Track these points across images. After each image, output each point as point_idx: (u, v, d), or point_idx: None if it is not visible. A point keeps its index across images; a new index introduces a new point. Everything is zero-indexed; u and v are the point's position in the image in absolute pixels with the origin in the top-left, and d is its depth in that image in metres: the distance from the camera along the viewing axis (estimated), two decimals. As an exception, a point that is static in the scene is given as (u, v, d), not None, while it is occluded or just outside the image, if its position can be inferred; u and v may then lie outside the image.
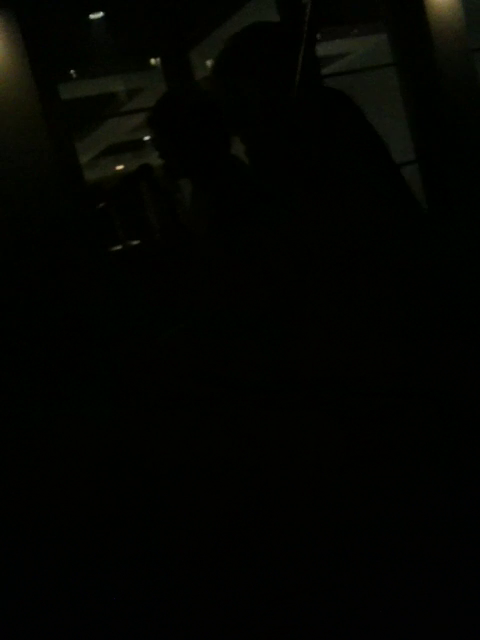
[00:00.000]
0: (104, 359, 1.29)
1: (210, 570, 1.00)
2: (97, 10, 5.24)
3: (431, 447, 1.13)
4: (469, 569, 0.97)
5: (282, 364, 1.26)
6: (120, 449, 1.16)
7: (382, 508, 1.05)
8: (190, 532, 1.05)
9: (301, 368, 1.25)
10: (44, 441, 1.19)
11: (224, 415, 1.19)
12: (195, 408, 1.21)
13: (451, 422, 1.17)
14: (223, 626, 0.94)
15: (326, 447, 1.14)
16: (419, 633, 0.91)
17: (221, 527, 1.05)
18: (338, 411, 1.19)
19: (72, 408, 1.22)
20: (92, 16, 5.31)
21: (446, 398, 1.20)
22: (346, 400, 1.20)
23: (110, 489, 1.11)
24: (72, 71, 6.76)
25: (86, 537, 1.05)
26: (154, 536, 1.05)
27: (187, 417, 1.20)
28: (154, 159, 1.94)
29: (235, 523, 1.06)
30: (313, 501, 1.07)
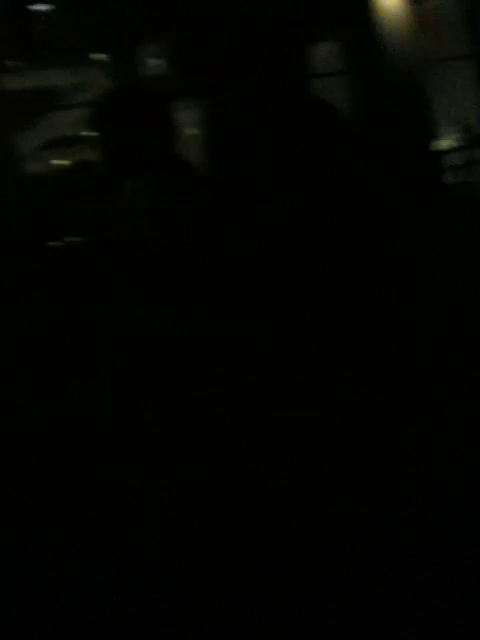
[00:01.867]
0: (104, 359, 1.29)
1: (210, 570, 1.00)
2: (43, 1, 5.17)
3: (431, 447, 1.13)
4: (469, 569, 0.96)
5: (282, 364, 1.26)
6: (120, 449, 1.16)
7: (382, 508, 1.05)
8: (190, 532, 1.05)
9: (301, 368, 1.25)
10: (44, 441, 1.19)
11: (224, 415, 1.19)
12: (195, 408, 1.21)
13: (451, 422, 1.16)
14: (223, 626, 0.94)
15: (326, 447, 1.14)
16: (419, 633, 0.91)
17: (221, 527, 1.05)
18: (338, 411, 1.19)
19: (72, 408, 1.22)
20: (36, 7, 5.23)
21: (446, 398, 1.20)
22: (346, 400, 1.20)
23: (110, 489, 1.11)
24: (13, 62, 6.63)
25: (86, 537, 1.05)
26: (154, 536, 1.05)
27: (187, 417, 1.20)
28: (96, 154, 1.90)
29: (235, 523, 1.06)
30: (313, 501, 1.07)
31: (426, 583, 0.95)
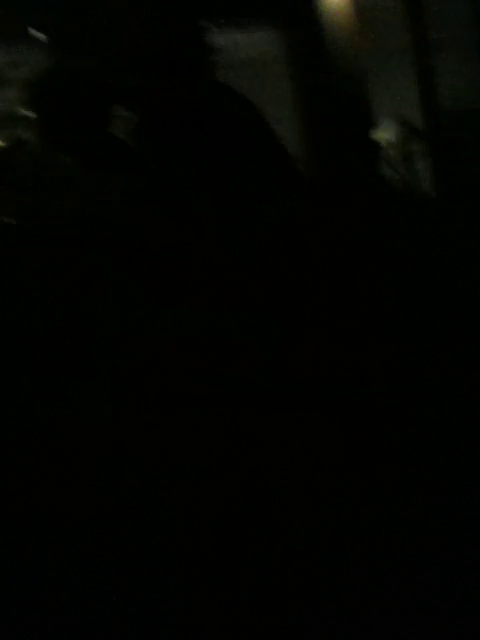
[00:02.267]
0: (104, 359, 1.29)
1: (210, 570, 1.00)
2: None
3: (431, 447, 1.13)
4: (469, 569, 0.96)
5: (282, 364, 1.26)
6: (120, 449, 1.16)
7: (382, 508, 1.05)
8: (190, 532, 1.05)
9: (301, 368, 1.25)
10: (44, 441, 1.19)
11: (224, 415, 1.19)
12: (195, 408, 1.21)
13: (451, 422, 1.16)
14: (223, 626, 0.94)
15: (326, 447, 1.14)
16: (419, 633, 0.91)
17: (221, 527, 1.05)
18: (338, 411, 1.18)
19: (72, 408, 1.22)
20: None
21: (446, 398, 1.20)
22: (346, 400, 1.20)
23: (110, 489, 1.11)
24: None
25: (86, 537, 1.05)
26: (154, 536, 1.05)
27: (187, 417, 1.20)
28: (33, 134, 1.88)
29: (235, 523, 1.06)
30: (313, 501, 1.07)
31: (426, 583, 0.95)
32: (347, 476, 1.09)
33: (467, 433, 1.14)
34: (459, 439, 1.14)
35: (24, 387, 1.28)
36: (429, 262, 1.40)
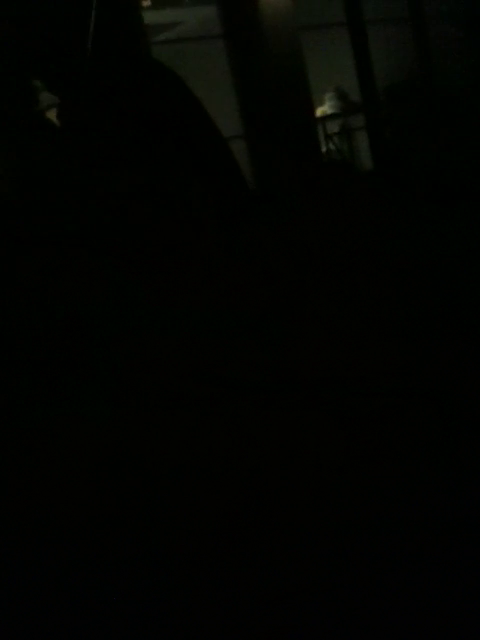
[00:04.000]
0: (104, 359, 1.29)
1: (210, 570, 1.00)
2: None
3: (431, 447, 1.13)
4: (469, 569, 0.96)
5: (282, 364, 1.26)
6: (120, 449, 1.16)
7: (382, 508, 1.05)
8: (190, 532, 1.05)
9: (301, 368, 1.25)
10: (44, 441, 1.19)
11: (224, 415, 1.19)
12: (195, 408, 1.21)
13: (451, 422, 1.16)
14: (223, 626, 0.94)
15: (326, 447, 1.14)
16: (419, 633, 0.91)
17: (221, 527, 1.05)
18: (338, 411, 1.19)
19: (72, 408, 1.22)
20: None
21: (446, 398, 1.20)
22: (346, 400, 1.20)
23: (110, 489, 1.11)
24: None
25: (86, 537, 1.05)
26: (154, 536, 1.05)
27: (187, 417, 1.20)
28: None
29: (235, 523, 1.06)
30: (313, 501, 1.07)
31: (426, 583, 0.95)
32: (347, 476, 1.09)
33: (467, 433, 1.14)
34: (459, 439, 1.14)
35: (24, 387, 1.28)
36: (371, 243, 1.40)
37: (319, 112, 7.72)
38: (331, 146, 7.46)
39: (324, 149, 7.32)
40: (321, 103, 7.81)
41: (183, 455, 1.15)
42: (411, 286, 1.37)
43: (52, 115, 1.79)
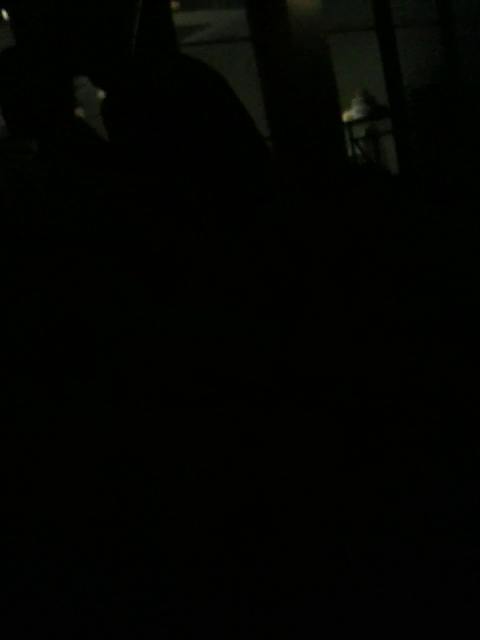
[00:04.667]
0: (104, 359, 1.29)
1: (210, 570, 1.00)
2: None
3: (431, 447, 1.13)
4: (469, 569, 0.97)
5: (282, 364, 1.26)
6: (120, 449, 1.16)
7: (382, 508, 1.05)
8: (190, 532, 1.05)
9: (301, 368, 1.25)
10: (44, 441, 1.19)
11: (224, 415, 1.19)
12: (195, 408, 1.21)
13: (451, 422, 1.16)
14: (223, 626, 0.94)
15: (326, 447, 1.14)
16: (419, 633, 0.91)
17: (221, 527, 1.05)
18: (338, 411, 1.19)
19: (72, 408, 1.22)
20: None
21: (446, 398, 1.20)
22: (346, 400, 1.20)
23: (110, 489, 1.11)
24: None
25: (86, 537, 1.05)
26: (154, 536, 1.05)
27: (187, 417, 1.20)
28: None
29: (235, 523, 1.06)
30: (313, 501, 1.07)
31: (426, 583, 0.95)
32: (347, 476, 1.09)
33: (467, 433, 1.14)
34: (459, 439, 1.14)
35: (24, 387, 1.28)
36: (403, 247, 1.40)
37: (346, 117, 7.70)
38: (357, 150, 7.44)
39: (350, 153, 7.30)
40: (348, 107, 7.79)
41: (183, 455, 1.15)
42: (418, 287, 1.37)
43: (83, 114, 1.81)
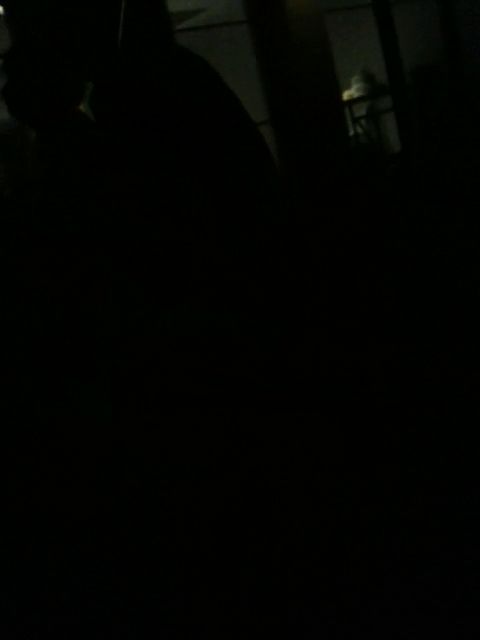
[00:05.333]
0: (104, 359, 1.29)
1: (210, 570, 1.00)
2: None
3: (431, 447, 1.13)
4: (469, 569, 0.96)
5: (282, 364, 1.26)
6: (120, 449, 1.16)
7: (382, 508, 1.05)
8: (190, 532, 1.05)
9: (301, 368, 1.25)
10: (44, 441, 1.19)
11: (224, 415, 1.19)
12: (195, 408, 1.21)
13: (451, 422, 1.16)
14: (223, 626, 0.94)
15: (326, 447, 1.14)
16: (419, 633, 0.91)
17: (221, 527, 1.05)
18: (338, 411, 1.19)
19: (72, 408, 1.22)
20: None
21: (446, 398, 1.20)
22: (346, 400, 1.20)
23: (110, 489, 1.11)
24: None
25: (86, 537, 1.05)
26: (154, 536, 1.05)
27: (187, 417, 1.20)
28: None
29: (235, 523, 1.06)
30: (313, 501, 1.07)
31: (426, 583, 0.95)
32: (347, 476, 1.09)
33: (467, 433, 1.14)
34: (459, 439, 1.14)
35: (24, 387, 1.28)
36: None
37: (346, 96, 7.62)
38: (359, 130, 7.35)
39: (352, 133, 7.22)
40: (348, 86, 7.72)
41: (183, 455, 1.15)
42: (417, 286, 1.37)
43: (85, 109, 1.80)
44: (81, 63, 1.70)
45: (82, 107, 1.84)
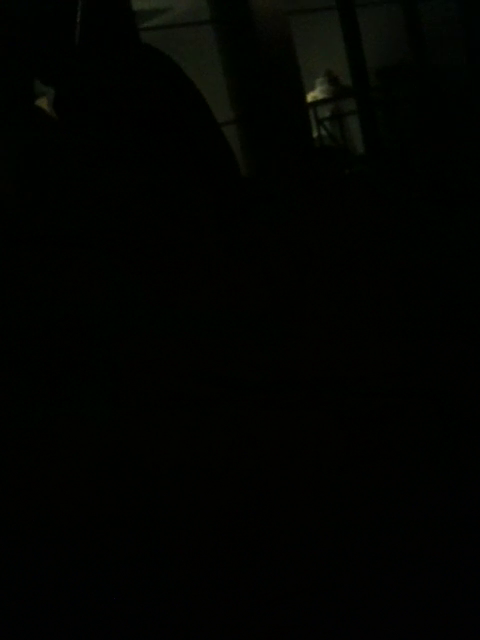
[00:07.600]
0: (104, 359, 1.29)
1: (210, 570, 1.00)
2: None
3: (431, 447, 1.13)
4: (469, 569, 0.97)
5: (282, 364, 1.26)
6: (120, 449, 1.16)
7: (382, 508, 1.05)
8: (190, 532, 1.05)
9: (301, 368, 1.25)
10: (44, 441, 1.19)
11: (224, 415, 1.19)
12: (195, 408, 1.21)
13: (451, 422, 1.17)
14: (223, 626, 0.94)
15: (326, 447, 1.14)
16: (419, 633, 0.91)
17: (221, 527, 1.05)
18: (338, 411, 1.19)
19: (72, 408, 1.22)
20: None
21: (446, 398, 1.20)
22: (346, 400, 1.20)
23: (110, 489, 1.11)
24: None
25: (86, 537, 1.05)
26: (154, 536, 1.05)
27: (187, 417, 1.20)
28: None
29: (235, 523, 1.06)
30: (313, 501, 1.07)
31: (426, 583, 0.96)
32: (347, 476, 1.09)
33: (467, 433, 1.14)
34: (459, 439, 1.14)
35: (24, 387, 1.28)
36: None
37: (310, 97, 7.68)
38: (322, 131, 7.41)
39: (315, 134, 7.27)
40: (312, 88, 7.76)
41: (183, 455, 1.15)
42: (411, 285, 1.37)
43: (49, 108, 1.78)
44: (28, 63, 1.67)
45: (47, 108, 1.82)
